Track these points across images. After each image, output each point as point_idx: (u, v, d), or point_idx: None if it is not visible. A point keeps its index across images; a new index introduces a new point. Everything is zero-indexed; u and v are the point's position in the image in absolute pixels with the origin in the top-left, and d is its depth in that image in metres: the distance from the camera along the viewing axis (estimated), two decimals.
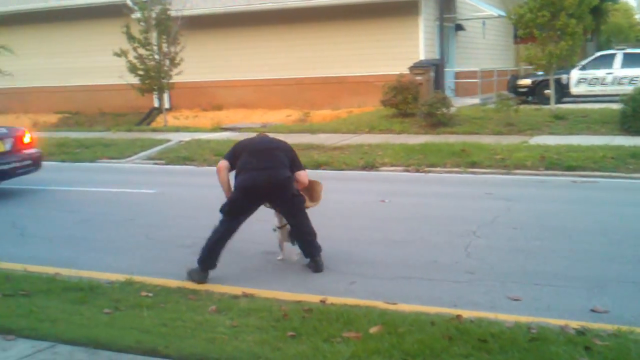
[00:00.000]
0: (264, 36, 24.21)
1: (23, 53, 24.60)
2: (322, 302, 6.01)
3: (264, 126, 20.51)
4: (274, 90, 24.10)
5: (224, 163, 7.11)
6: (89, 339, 5.02)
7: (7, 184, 12.56)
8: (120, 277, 6.96)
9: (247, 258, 7.65)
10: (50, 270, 7.32)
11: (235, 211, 7.04)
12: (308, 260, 7.30)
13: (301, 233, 7.29)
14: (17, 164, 11.93)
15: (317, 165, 14.03)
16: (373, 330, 5.11)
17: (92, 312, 5.80)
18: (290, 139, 16.60)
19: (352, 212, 9.96)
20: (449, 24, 24.55)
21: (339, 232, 8.68)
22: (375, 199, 10.65)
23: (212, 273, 6.97)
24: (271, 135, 7.63)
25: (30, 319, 5.53)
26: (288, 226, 7.41)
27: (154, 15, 20.98)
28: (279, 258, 7.59)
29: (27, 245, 8.65)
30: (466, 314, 5.54)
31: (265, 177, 6.96)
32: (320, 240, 7.36)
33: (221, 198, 7.17)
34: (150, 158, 16.52)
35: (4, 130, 12.11)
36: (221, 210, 7.06)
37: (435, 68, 20.13)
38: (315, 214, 9.57)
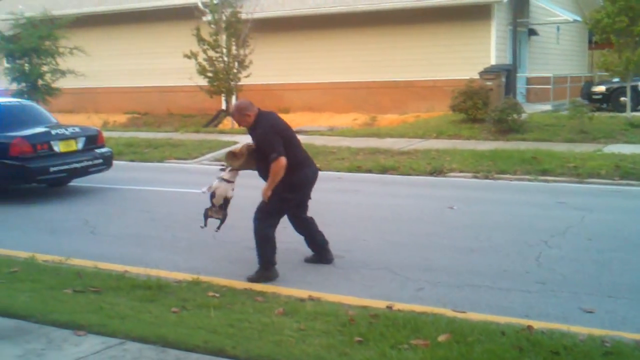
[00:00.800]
0: (332, 39, 24.22)
1: (95, 54, 25.10)
2: (389, 307, 5.96)
3: (331, 129, 20.50)
4: (341, 93, 24.07)
5: (285, 159, 6.66)
6: (157, 337, 5.07)
7: (79, 182, 12.88)
8: (188, 276, 7.04)
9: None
10: (120, 267, 7.46)
11: (286, 210, 7.06)
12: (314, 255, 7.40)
13: (314, 226, 7.30)
14: (89, 163, 12.20)
15: (384, 170, 13.94)
16: (441, 338, 5.03)
17: (160, 311, 5.86)
18: (357, 143, 16.83)
19: (419, 218, 9.84)
20: (522, 29, 24.17)
21: (405, 238, 8.61)
22: (443, 205, 10.49)
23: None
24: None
25: (100, 316, 5.62)
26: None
27: (224, 17, 21.21)
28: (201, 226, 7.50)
29: (98, 243, 8.81)
30: (537, 324, 5.42)
31: (316, 171, 7.08)
32: (386, 246, 7.24)
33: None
34: (217, 159, 16.62)
35: (77, 130, 12.42)
36: (271, 214, 6.96)
37: (506, 73, 19.84)
38: (382, 220, 9.56)
